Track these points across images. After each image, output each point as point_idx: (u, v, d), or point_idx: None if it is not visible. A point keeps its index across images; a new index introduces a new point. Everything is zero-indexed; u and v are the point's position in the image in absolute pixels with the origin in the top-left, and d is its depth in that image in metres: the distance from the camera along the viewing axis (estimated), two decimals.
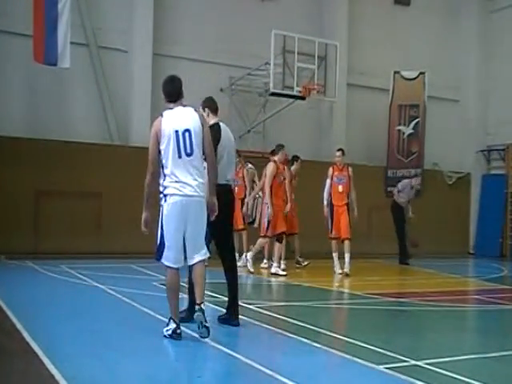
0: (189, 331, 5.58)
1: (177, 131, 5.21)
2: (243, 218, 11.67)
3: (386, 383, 4.37)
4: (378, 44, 16.73)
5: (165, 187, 5.26)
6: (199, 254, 5.35)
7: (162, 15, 14.09)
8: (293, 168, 11.79)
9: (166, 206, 5.24)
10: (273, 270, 10.39)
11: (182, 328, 5.40)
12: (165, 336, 5.29)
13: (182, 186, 5.20)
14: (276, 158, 10.59)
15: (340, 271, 10.76)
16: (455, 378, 4.36)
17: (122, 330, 5.70)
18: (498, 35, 17.76)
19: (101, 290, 7.93)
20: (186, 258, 5.38)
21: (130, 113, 13.72)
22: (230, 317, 6.02)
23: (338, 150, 11.28)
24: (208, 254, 5.43)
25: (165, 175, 5.26)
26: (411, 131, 16.70)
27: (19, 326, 5.56)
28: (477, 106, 18.05)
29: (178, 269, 5.34)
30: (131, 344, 5.19)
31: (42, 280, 8.96)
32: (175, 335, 5.27)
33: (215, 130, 5.89)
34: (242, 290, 9.23)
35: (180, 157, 5.21)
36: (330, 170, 11.10)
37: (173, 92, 5.42)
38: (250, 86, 14.72)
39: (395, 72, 16.42)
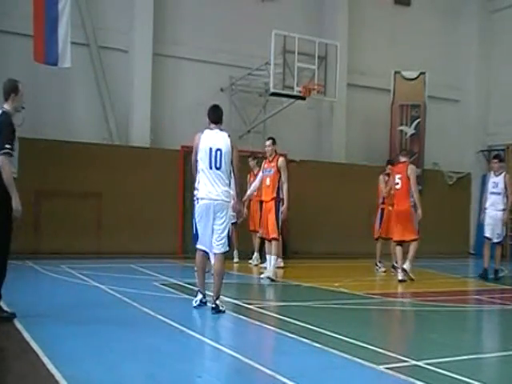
0: (188, 331, 5.59)
1: (211, 148, 6.59)
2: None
3: (386, 383, 4.37)
4: (379, 44, 16.75)
5: (197, 190, 6.66)
6: (220, 247, 6.62)
7: (162, 15, 14.09)
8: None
9: (197, 207, 6.68)
10: (400, 278, 10.13)
11: (182, 329, 5.53)
12: (194, 307, 6.70)
13: (210, 191, 6.58)
14: (406, 159, 10.74)
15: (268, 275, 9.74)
16: (455, 378, 4.36)
17: (121, 330, 5.70)
18: (498, 35, 17.77)
19: (101, 290, 7.92)
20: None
21: (130, 113, 13.72)
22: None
23: (268, 138, 10.42)
24: (227, 249, 6.68)
25: (199, 179, 6.67)
26: (413, 131, 16.69)
27: (19, 326, 5.56)
28: (477, 105, 18.05)
29: (204, 251, 6.74)
30: (131, 344, 5.19)
31: (42, 280, 8.95)
32: (202, 303, 6.75)
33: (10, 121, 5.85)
34: (242, 290, 9.28)
35: (211, 168, 6.59)
36: (263, 162, 10.31)
37: (215, 118, 6.84)
38: (250, 85, 14.72)
39: (395, 72, 16.42)
